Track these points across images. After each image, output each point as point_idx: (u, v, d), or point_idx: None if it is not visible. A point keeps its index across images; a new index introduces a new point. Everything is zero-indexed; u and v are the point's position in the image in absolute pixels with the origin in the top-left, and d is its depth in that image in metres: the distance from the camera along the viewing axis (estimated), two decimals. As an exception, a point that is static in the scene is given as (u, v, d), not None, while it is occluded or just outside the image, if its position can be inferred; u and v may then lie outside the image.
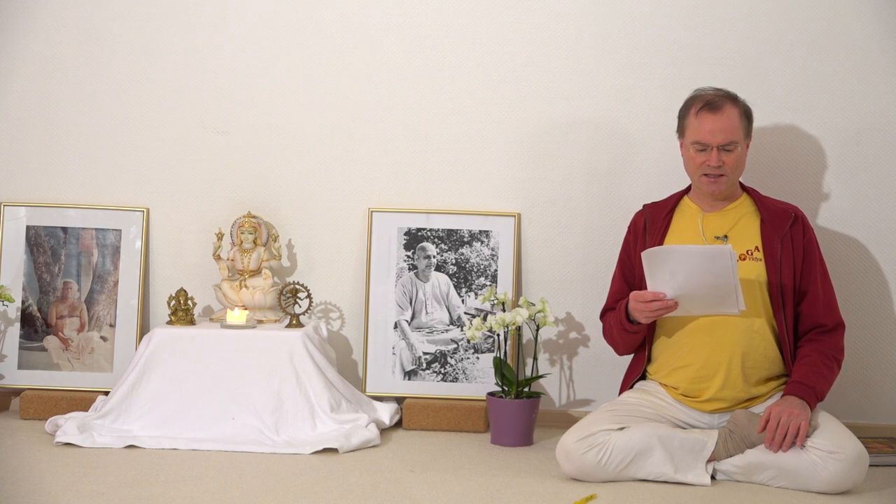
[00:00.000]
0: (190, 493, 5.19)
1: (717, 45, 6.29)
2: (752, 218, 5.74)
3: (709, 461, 5.46)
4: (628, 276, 5.84)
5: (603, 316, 5.93)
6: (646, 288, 5.55)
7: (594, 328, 6.14)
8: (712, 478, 5.46)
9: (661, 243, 5.72)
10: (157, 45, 6.57)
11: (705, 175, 5.65)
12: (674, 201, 5.85)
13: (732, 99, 5.68)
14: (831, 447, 5.33)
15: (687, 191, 5.86)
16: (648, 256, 5.43)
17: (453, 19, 6.45)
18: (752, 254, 5.65)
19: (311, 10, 6.51)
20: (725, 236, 5.69)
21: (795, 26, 6.26)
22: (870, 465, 5.46)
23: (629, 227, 5.92)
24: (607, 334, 5.87)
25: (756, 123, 5.87)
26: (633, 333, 5.67)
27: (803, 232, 5.71)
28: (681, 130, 5.75)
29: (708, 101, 5.65)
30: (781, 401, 5.39)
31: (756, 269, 5.63)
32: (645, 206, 5.92)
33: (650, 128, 6.26)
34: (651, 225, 5.81)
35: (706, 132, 5.62)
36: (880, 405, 6.33)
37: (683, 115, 5.74)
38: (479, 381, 6.41)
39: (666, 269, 5.40)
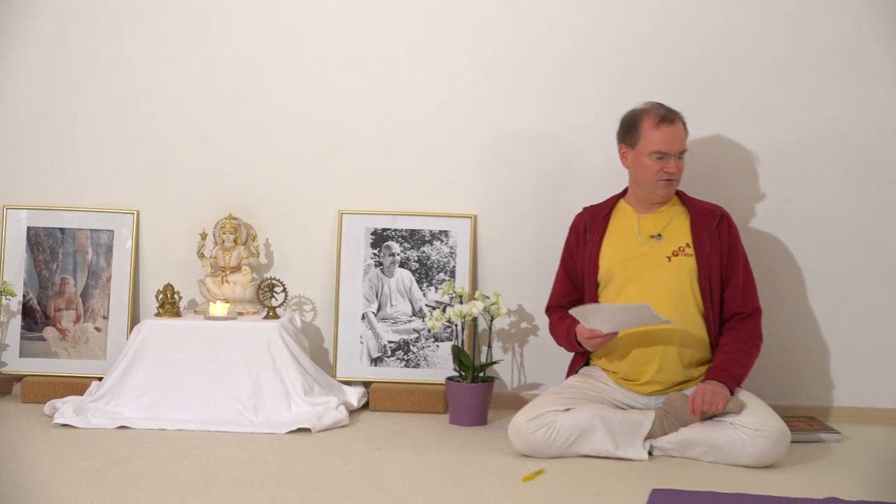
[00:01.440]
0: (176, 469, 5.19)
1: (653, 63, 6.30)
2: (682, 218, 5.77)
3: (646, 438, 5.48)
4: (571, 273, 5.87)
5: (548, 311, 5.95)
6: (587, 289, 5.70)
7: (543, 319, 6.14)
8: (649, 453, 5.49)
9: (600, 243, 5.77)
10: (148, 62, 6.56)
11: (663, 180, 5.68)
12: (611, 204, 5.86)
13: (678, 113, 5.73)
14: (757, 425, 5.36)
15: (623, 194, 5.88)
16: (578, 313, 5.52)
17: (418, 39, 6.46)
18: (683, 250, 5.68)
19: (289, 31, 6.51)
20: (659, 235, 5.72)
21: (725, 47, 6.28)
22: (791, 442, 5.52)
23: (570, 229, 5.93)
24: (554, 335, 5.90)
25: (696, 135, 5.92)
26: (583, 349, 5.71)
27: (728, 229, 5.75)
28: (631, 140, 5.73)
29: (665, 115, 5.69)
30: (706, 383, 5.45)
31: (687, 264, 5.66)
32: (584, 209, 5.93)
33: (591, 138, 6.27)
34: (591, 226, 5.82)
35: (667, 143, 5.65)
36: (801, 387, 6.35)
37: (636, 127, 5.72)
38: (439, 367, 6.41)
39: (597, 319, 5.48)
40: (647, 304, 5.39)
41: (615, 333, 5.52)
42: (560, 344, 5.87)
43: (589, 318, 5.50)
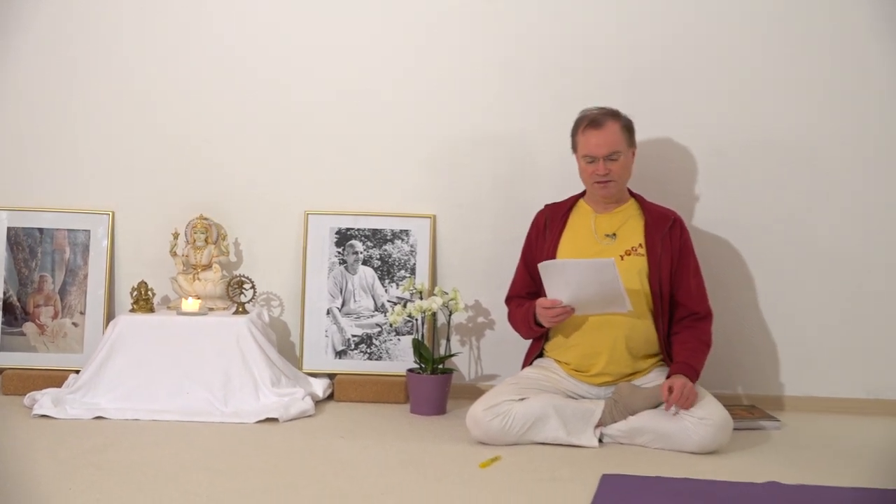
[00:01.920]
0: (150, 457, 5.18)
1: (603, 69, 6.32)
2: (637, 220, 5.79)
3: (597, 426, 5.50)
4: (530, 266, 5.87)
5: (508, 301, 5.96)
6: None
7: (499, 313, 6.16)
8: (600, 441, 5.50)
9: (559, 239, 5.78)
10: (124, 69, 6.55)
11: (597, 182, 5.70)
12: (571, 203, 5.89)
13: (614, 115, 5.74)
14: (702, 414, 5.39)
15: (582, 194, 5.90)
16: (544, 268, 5.51)
17: (378, 47, 6.46)
18: (636, 250, 5.70)
19: (255, 42, 6.51)
20: (614, 234, 5.74)
21: (672, 55, 6.30)
22: (734, 429, 5.53)
23: (532, 224, 5.95)
24: (512, 321, 5.90)
25: (640, 138, 5.92)
26: (539, 330, 5.70)
27: (680, 233, 5.78)
28: (574, 147, 5.79)
29: (591, 120, 5.72)
30: (676, 377, 5.47)
31: (639, 264, 5.68)
32: (546, 205, 5.95)
33: (542, 140, 6.29)
34: (551, 223, 5.84)
35: (592, 146, 5.68)
36: (743, 378, 6.37)
37: (574, 133, 5.79)
38: (400, 359, 6.41)
39: (561, 280, 5.47)
40: (613, 260, 5.40)
41: (572, 310, 5.52)
42: (518, 330, 5.87)
43: (553, 277, 5.48)
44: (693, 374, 5.54)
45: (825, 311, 6.34)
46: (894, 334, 6.31)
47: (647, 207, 5.83)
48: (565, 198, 5.95)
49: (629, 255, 5.71)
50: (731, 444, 5.49)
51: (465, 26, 6.42)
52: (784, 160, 6.30)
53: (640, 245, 5.74)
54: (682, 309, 5.74)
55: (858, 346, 6.34)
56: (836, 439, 5.77)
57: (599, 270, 5.41)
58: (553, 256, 5.76)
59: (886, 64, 6.22)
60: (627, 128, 5.77)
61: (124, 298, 6.50)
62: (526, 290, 5.88)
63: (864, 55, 6.23)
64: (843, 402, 6.32)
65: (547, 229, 5.85)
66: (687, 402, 5.42)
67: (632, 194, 5.88)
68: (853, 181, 6.29)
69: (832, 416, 6.24)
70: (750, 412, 6.07)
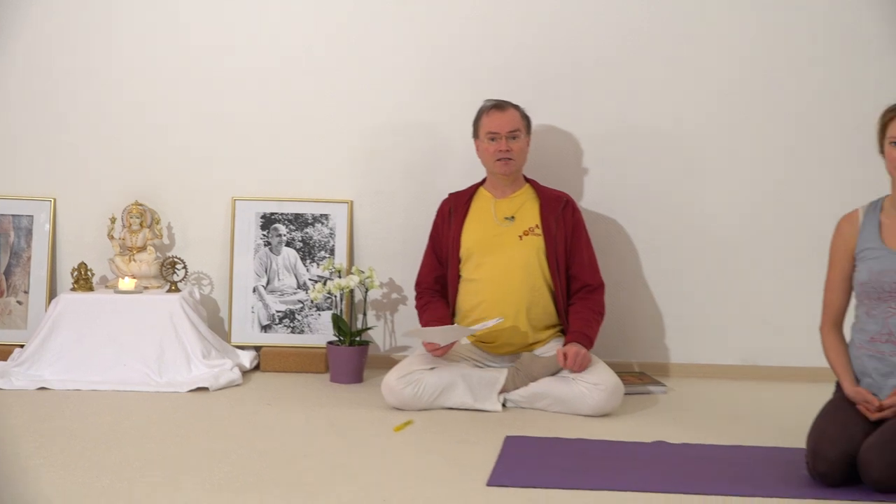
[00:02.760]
0: (91, 425, 5.15)
1: (509, 66, 6.31)
2: (532, 203, 5.81)
3: (500, 392, 5.51)
4: (437, 251, 5.88)
5: (417, 286, 5.96)
6: (451, 264, 5.75)
7: (411, 291, 6.14)
8: (503, 405, 5.51)
9: (462, 224, 5.80)
10: (65, 66, 6.48)
11: (499, 160, 5.71)
12: (472, 191, 5.89)
13: (513, 104, 5.80)
14: (595, 380, 5.42)
15: (482, 182, 5.91)
16: (411, 334, 5.64)
17: (304, 41, 6.42)
18: (533, 230, 5.73)
19: (183, 37, 6.46)
20: (512, 217, 5.76)
21: (568, 53, 6.31)
22: (624, 394, 5.57)
23: (437, 212, 5.95)
24: (419, 313, 5.90)
25: (541, 128, 5.99)
26: None
27: (572, 213, 5.80)
28: (476, 131, 5.82)
29: (495, 104, 5.80)
30: (570, 344, 5.51)
31: (536, 243, 5.71)
32: (450, 195, 5.95)
33: (453, 131, 6.27)
34: (455, 210, 5.84)
35: (496, 124, 5.72)
36: (633, 347, 6.41)
37: (477, 119, 5.83)
38: (321, 332, 6.39)
39: (427, 336, 5.51)
40: (458, 326, 5.57)
41: (452, 344, 5.57)
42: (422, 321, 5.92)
43: (423, 336, 5.56)
44: (587, 342, 5.57)
45: (704, 285, 6.39)
46: (766, 306, 6.37)
47: (541, 191, 5.86)
48: (469, 184, 5.96)
49: (527, 235, 5.73)
50: (623, 408, 5.53)
51: (384, 24, 6.40)
52: (666, 146, 6.34)
53: (537, 226, 5.76)
54: (576, 281, 5.77)
55: (734, 317, 6.39)
56: (716, 402, 5.82)
57: (455, 331, 5.54)
58: (458, 241, 5.79)
59: (756, 59, 6.28)
60: (525, 117, 5.83)
61: (65, 278, 6.45)
62: (434, 275, 5.89)
63: (733, 52, 6.28)
64: (722, 368, 6.38)
65: (451, 217, 5.85)
66: (580, 367, 5.45)
67: (527, 180, 5.90)
68: (727, 165, 6.34)
69: (712, 380, 6.29)
70: (639, 378, 6.10)
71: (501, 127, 5.73)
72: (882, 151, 4.53)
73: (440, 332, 5.53)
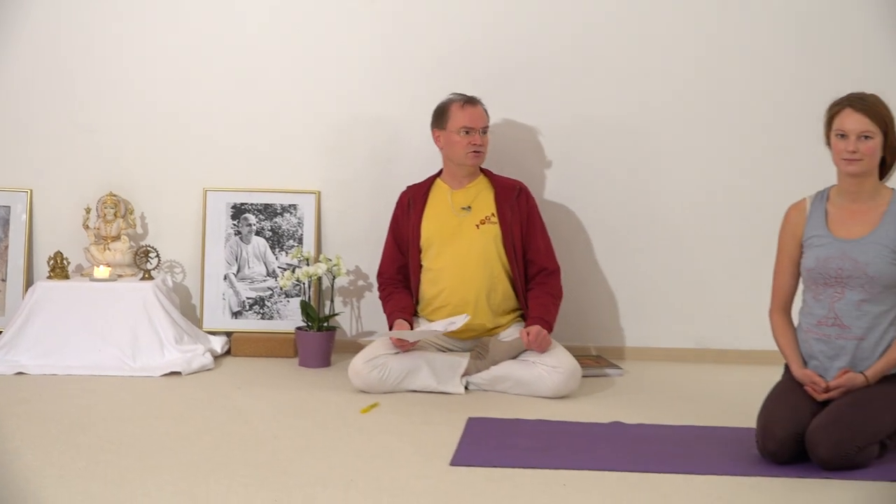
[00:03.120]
0: (67, 408, 5.13)
1: (470, 62, 6.31)
2: (488, 192, 5.81)
3: (463, 375, 5.52)
4: (398, 241, 5.88)
5: (379, 276, 5.95)
6: (411, 254, 5.77)
7: (376, 279, 6.14)
8: (466, 388, 5.52)
9: (421, 215, 5.80)
10: (41, 60, 6.44)
11: (473, 152, 5.72)
12: (429, 183, 5.89)
13: (478, 98, 5.80)
14: (554, 363, 5.44)
15: (439, 174, 5.91)
16: (391, 335, 5.58)
17: (271, 39, 6.41)
18: (489, 219, 5.74)
19: (157, 32, 6.43)
20: (469, 207, 5.77)
21: (523, 49, 6.32)
22: (582, 377, 5.59)
23: (397, 204, 5.94)
24: (383, 303, 5.89)
25: (499, 121, 6.03)
26: None
27: (526, 200, 5.82)
28: (442, 123, 5.78)
29: (468, 99, 5.79)
30: (533, 326, 5.52)
31: (493, 231, 5.72)
32: (408, 187, 5.95)
33: (414, 124, 6.24)
34: (413, 202, 5.84)
35: (471, 119, 5.73)
36: (590, 331, 6.42)
37: (445, 111, 5.79)
38: (290, 318, 6.38)
39: (402, 335, 5.51)
40: (432, 327, 5.55)
41: (417, 342, 5.58)
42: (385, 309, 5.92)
43: (400, 335, 5.55)
44: (546, 326, 5.58)
45: (659, 272, 6.40)
46: (718, 292, 6.39)
47: (495, 180, 5.86)
48: (429, 175, 5.96)
49: (484, 223, 5.74)
50: (581, 390, 5.55)
51: (348, 21, 6.38)
52: (621, 137, 6.35)
53: (493, 214, 5.76)
54: (533, 266, 5.78)
55: (688, 302, 6.41)
56: (670, 384, 5.84)
57: (428, 333, 5.58)
58: (418, 232, 5.78)
59: (709, 54, 6.30)
60: (485, 110, 5.82)
61: (42, 267, 6.41)
62: (395, 265, 5.88)
63: (688, 47, 6.30)
64: (676, 352, 6.40)
65: (411, 208, 5.85)
66: (541, 347, 5.47)
67: (481, 170, 5.90)
68: (681, 155, 6.35)
69: (666, 363, 6.31)
70: (596, 361, 6.12)
71: (476, 122, 5.74)
72: (829, 143, 4.56)
73: (416, 333, 5.54)
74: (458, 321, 5.48)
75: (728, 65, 6.30)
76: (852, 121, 4.45)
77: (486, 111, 5.82)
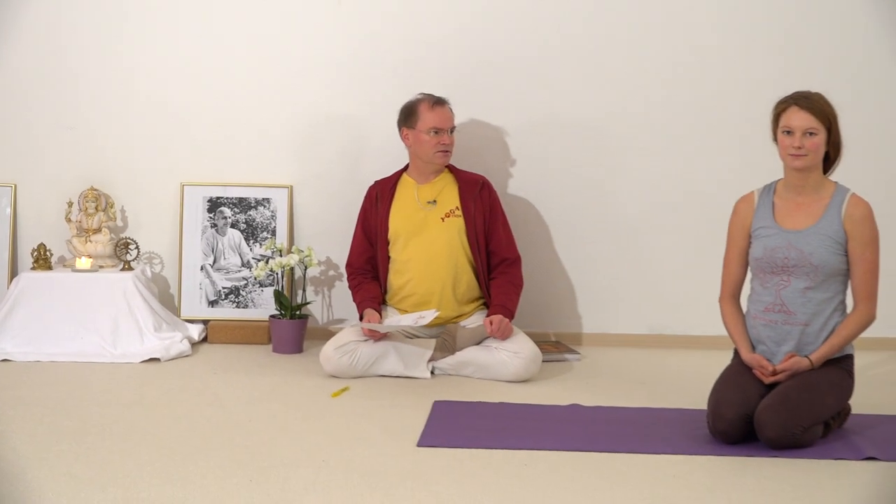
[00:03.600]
0: (50, 394, 5.11)
1: (433, 62, 6.30)
2: (452, 186, 5.81)
3: (429, 361, 5.51)
4: (367, 233, 5.87)
5: (348, 267, 5.94)
6: (380, 245, 5.77)
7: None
8: (432, 373, 5.52)
9: (389, 208, 5.79)
10: (17, 60, 6.39)
11: (441, 151, 5.71)
12: (396, 178, 5.88)
13: (446, 99, 5.78)
14: (515, 349, 5.45)
15: (405, 169, 5.90)
16: (366, 325, 5.55)
17: (245, 41, 6.38)
18: (454, 212, 5.75)
19: (133, 32, 6.38)
20: (434, 201, 5.76)
21: (485, 51, 6.31)
22: (542, 361, 5.60)
23: (365, 198, 5.93)
24: (353, 293, 5.88)
25: (463, 119, 6.03)
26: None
27: (489, 194, 5.82)
28: (411, 123, 5.76)
29: (437, 100, 5.77)
30: (496, 316, 5.54)
31: (457, 223, 5.72)
32: (376, 181, 5.93)
33: (382, 121, 6.21)
34: (381, 196, 5.83)
35: (440, 120, 5.72)
36: (550, 318, 6.43)
37: (414, 111, 5.76)
38: (264, 307, 6.36)
39: (376, 328, 5.49)
40: (406, 321, 5.54)
41: (388, 333, 5.55)
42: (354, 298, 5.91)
43: (376, 328, 5.53)
44: (508, 314, 5.59)
45: (615, 262, 6.41)
46: (670, 282, 6.41)
47: (459, 175, 5.85)
48: (396, 169, 5.95)
49: (448, 217, 5.74)
50: (541, 374, 5.55)
51: (317, 24, 6.36)
52: (580, 136, 6.35)
53: (457, 207, 5.76)
54: (495, 256, 5.78)
55: (642, 291, 6.42)
56: (626, 368, 5.85)
57: (401, 327, 5.54)
58: (386, 224, 5.77)
59: (663, 55, 6.31)
60: (451, 110, 5.81)
61: (26, 258, 6.37)
62: (364, 256, 5.87)
63: (643, 49, 6.31)
64: (631, 337, 6.41)
65: (378, 202, 5.84)
66: (503, 334, 5.48)
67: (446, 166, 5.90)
68: (636, 151, 6.36)
69: (622, 349, 6.32)
70: (556, 347, 6.13)
71: (444, 123, 5.73)
72: (775, 139, 4.59)
73: (386, 326, 5.53)
74: (428, 316, 5.48)
75: (683, 68, 6.31)
76: (798, 118, 4.48)
77: (452, 111, 5.81)
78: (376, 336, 5.51)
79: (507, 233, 5.84)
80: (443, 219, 5.74)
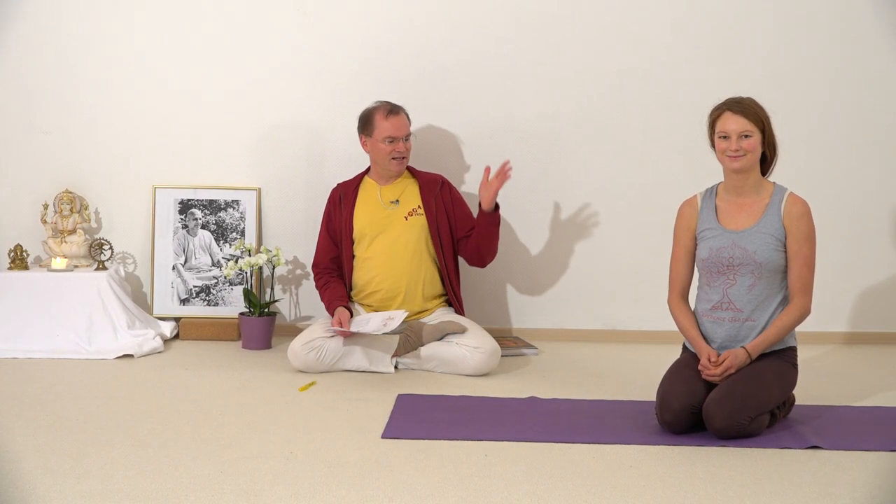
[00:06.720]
0: (28, 389, 5.08)
1: (395, 69, 6.32)
2: (413, 187, 5.83)
3: (393, 356, 5.52)
4: (332, 233, 5.87)
5: (315, 266, 5.94)
6: (344, 245, 5.77)
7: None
8: (395, 368, 5.52)
9: (352, 211, 5.80)
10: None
11: (396, 158, 5.72)
12: (358, 179, 5.89)
13: (401, 107, 5.79)
14: (476, 344, 5.45)
15: (367, 171, 5.91)
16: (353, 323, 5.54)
17: (213, 50, 6.38)
18: (416, 211, 5.76)
19: (105, 39, 6.37)
20: (397, 201, 5.78)
21: (443, 57, 6.33)
22: (502, 356, 5.62)
23: (329, 200, 5.94)
24: (320, 293, 5.88)
25: (423, 125, 6.07)
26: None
27: (449, 191, 5.85)
28: (368, 131, 5.78)
29: (391, 109, 5.76)
30: (452, 314, 5.65)
31: (420, 222, 5.74)
32: (339, 184, 5.95)
33: (343, 126, 6.24)
34: (344, 197, 5.84)
35: (394, 129, 5.72)
36: (509, 314, 6.45)
37: (370, 120, 5.77)
38: (233, 305, 6.36)
39: (352, 328, 5.47)
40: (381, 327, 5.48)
41: (351, 334, 5.51)
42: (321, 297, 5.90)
43: (355, 327, 5.52)
44: (459, 310, 5.72)
45: (573, 261, 6.44)
46: (623, 280, 6.45)
47: (418, 175, 5.88)
48: (358, 172, 5.96)
49: (411, 215, 5.76)
50: (500, 368, 5.58)
51: (283, 33, 6.37)
52: (536, 137, 6.38)
53: (419, 206, 5.78)
54: (466, 229, 5.82)
55: (597, 288, 6.46)
56: (581, 362, 5.87)
57: (375, 331, 5.47)
58: (351, 225, 5.79)
59: (617, 60, 6.34)
60: (408, 117, 5.81)
61: (3, 259, 6.34)
62: (329, 256, 5.87)
63: (598, 54, 6.34)
64: (586, 333, 6.45)
65: (342, 203, 5.85)
66: (460, 327, 5.51)
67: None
68: (591, 154, 6.40)
69: (578, 343, 6.35)
70: (514, 342, 6.14)
71: (399, 131, 5.73)
72: (713, 145, 4.63)
73: (355, 328, 5.50)
74: (397, 317, 5.47)
75: (632, 73, 6.36)
76: (732, 122, 4.53)
77: (408, 117, 5.81)
78: (345, 334, 5.50)
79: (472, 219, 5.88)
80: (406, 217, 5.75)
